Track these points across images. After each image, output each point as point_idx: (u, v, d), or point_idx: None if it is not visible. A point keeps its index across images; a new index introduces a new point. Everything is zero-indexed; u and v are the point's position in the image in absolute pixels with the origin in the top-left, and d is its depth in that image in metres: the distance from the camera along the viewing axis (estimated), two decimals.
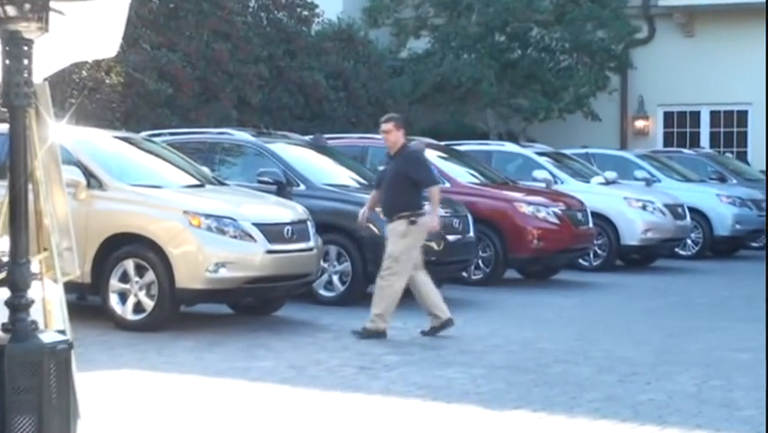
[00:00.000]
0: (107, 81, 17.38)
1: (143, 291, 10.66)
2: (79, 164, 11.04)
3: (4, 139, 6.24)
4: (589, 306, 13.61)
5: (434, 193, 10.83)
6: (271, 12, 22.34)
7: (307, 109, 21.57)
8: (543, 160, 18.42)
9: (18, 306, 4.99)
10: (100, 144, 11.90)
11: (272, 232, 11.01)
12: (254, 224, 10.91)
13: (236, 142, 14.20)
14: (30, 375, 4.87)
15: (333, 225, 12.60)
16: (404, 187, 10.70)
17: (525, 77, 25.61)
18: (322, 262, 12.32)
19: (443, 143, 17.66)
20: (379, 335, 10.51)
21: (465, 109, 25.50)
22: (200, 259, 10.56)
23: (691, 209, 19.06)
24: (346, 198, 12.99)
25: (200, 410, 7.55)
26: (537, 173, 17.43)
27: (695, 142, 26.82)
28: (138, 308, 10.68)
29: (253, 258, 10.79)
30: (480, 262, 15.05)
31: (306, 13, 22.74)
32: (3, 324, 5.01)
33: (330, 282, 12.89)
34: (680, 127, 27.44)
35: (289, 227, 11.26)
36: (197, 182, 12.03)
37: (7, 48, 4.98)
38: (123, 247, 10.78)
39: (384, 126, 10.99)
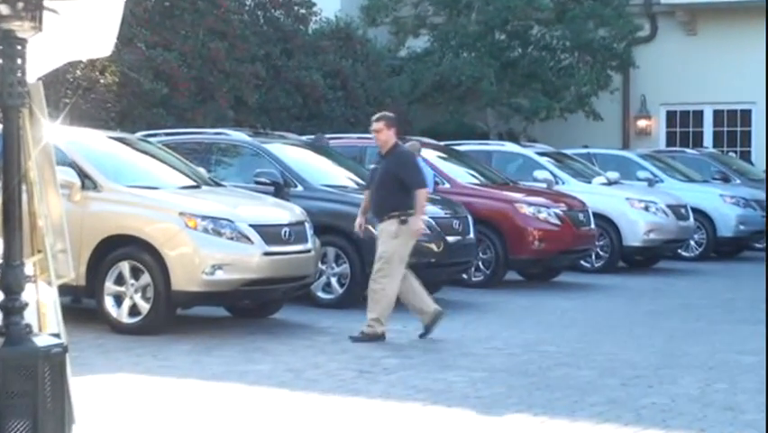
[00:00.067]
0: (102, 81, 17.30)
1: (139, 294, 10.59)
2: (74, 165, 10.96)
3: None
4: (591, 308, 13.53)
5: (420, 196, 10.69)
6: (268, 10, 22.28)
7: (305, 109, 21.49)
8: (543, 160, 18.34)
9: (12, 309, 4.95)
10: (95, 145, 11.84)
11: (269, 233, 10.93)
12: (251, 225, 10.83)
13: (233, 142, 14.12)
14: (24, 379, 4.83)
15: (331, 226, 12.52)
16: (394, 186, 10.62)
17: (526, 76, 25.51)
18: (320, 264, 12.24)
19: (442, 143, 17.61)
20: (377, 338, 10.43)
21: (465, 109, 25.41)
22: (196, 261, 10.48)
23: (694, 210, 18.98)
24: (344, 199, 12.91)
25: (197, 415, 7.48)
26: (538, 173, 17.35)
27: (698, 141, 26.71)
28: (134, 310, 10.60)
29: (250, 260, 10.71)
30: (480, 263, 15.00)
31: (303, 11, 22.68)
32: None
33: (328, 285, 12.81)
34: (682, 127, 27.34)
35: (287, 229, 11.18)
36: (194, 183, 11.96)
37: (1, 47, 4.94)
38: (118, 249, 10.70)
39: (374, 125, 10.92)
